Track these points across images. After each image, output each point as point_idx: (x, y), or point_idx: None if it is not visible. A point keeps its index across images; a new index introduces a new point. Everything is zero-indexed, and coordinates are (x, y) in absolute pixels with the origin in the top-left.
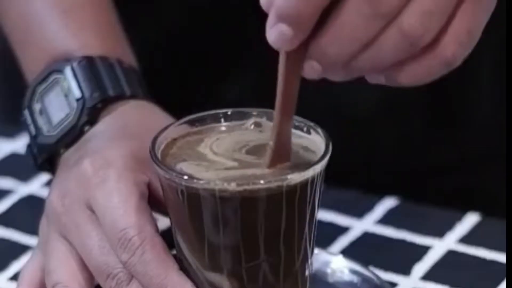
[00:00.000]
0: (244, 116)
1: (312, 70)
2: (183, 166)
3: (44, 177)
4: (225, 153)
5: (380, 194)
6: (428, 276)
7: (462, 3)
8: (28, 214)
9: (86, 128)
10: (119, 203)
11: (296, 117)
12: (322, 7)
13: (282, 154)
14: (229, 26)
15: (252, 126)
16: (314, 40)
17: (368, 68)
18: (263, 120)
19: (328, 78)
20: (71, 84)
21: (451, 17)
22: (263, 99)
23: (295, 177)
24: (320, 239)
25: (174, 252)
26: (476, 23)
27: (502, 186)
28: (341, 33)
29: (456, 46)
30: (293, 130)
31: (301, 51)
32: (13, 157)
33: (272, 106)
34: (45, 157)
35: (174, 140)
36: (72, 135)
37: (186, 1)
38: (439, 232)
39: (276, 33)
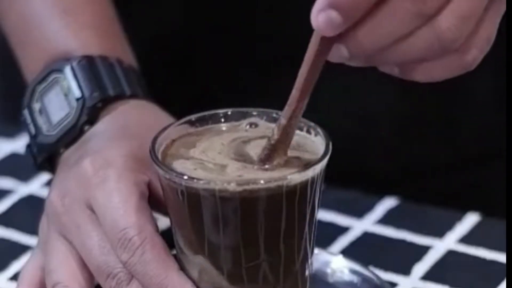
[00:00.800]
0: (244, 116)
1: (339, 55)
2: (181, 167)
3: (44, 177)
4: (221, 154)
5: (380, 194)
6: (428, 276)
7: (489, 11)
8: (28, 214)
9: (86, 127)
10: (119, 203)
11: None
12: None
13: (283, 145)
14: (227, 26)
15: (248, 127)
16: (351, 29)
17: (391, 61)
18: (261, 121)
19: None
20: (71, 83)
21: (479, 24)
22: (262, 98)
23: (295, 177)
24: (320, 239)
25: (174, 252)
26: (494, 30)
27: (502, 186)
28: (380, 27)
29: (477, 51)
30: None
31: (334, 37)
32: (13, 157)
33: (272, 107)
34: (44, 157)
35: (174, 140)
36: (72, 134)
37: (185, 1)
38: (439, 232)
39: (324, 18)
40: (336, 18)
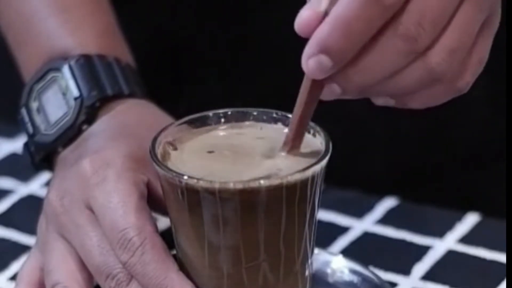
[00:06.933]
0: (244, 116)
1: (332, 93)
2: (180, 167)
3: (44, 177)
4: (219, 154)
5: (380, 194)
6: (428, 276)
7: (480, 37)
8: (28, 214)
9: (84, 127)
10: (119, 203)
11: None
12: (364, 42)
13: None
14: (223, 26)
15: (165, 146)
16: (342, 68)
17: (383, 94)
18: (178, 139)
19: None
20: (69, 82)
21: (470, 51)
22: (259, 98)
23: (295, 177)
24: (320, 239)
25: (174, 252)
26: (487, 52)
27: (502, 186)
28: (371, 65)
29: (469, 76)
30: None
31: (325, 78)
32: (13, 157)
33: (269, 106)
34: (42, 156)
35: (174, 140)
36: (70, 134)
37: (181, 2)
38: (439, 232)
39: (315, 63)
40: (327, 63)
